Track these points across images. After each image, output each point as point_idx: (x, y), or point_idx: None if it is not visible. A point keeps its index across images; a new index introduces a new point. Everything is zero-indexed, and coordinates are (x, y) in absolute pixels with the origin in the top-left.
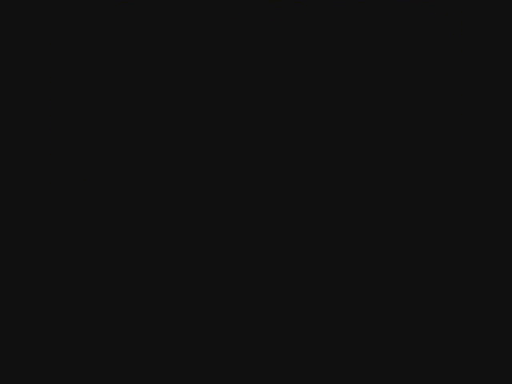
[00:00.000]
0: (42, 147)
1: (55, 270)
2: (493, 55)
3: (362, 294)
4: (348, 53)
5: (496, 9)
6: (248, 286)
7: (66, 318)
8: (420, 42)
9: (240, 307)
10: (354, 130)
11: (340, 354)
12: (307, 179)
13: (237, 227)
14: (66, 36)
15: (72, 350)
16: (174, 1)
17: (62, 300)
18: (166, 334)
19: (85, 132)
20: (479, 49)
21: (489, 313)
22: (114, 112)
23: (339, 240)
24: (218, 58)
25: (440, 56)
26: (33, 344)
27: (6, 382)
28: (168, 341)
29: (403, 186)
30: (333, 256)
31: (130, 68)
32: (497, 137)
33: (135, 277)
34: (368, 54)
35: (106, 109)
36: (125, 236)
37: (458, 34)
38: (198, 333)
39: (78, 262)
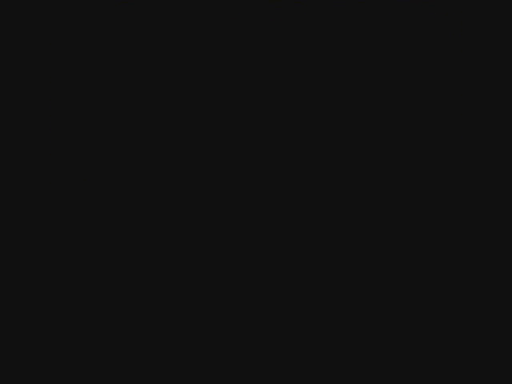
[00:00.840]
0: (42, 147)
1: (55, 269)
2: (493, 55)
3: (362, 293)
4: (348, 53)
5: (496, 9)
6: (248, 285)
7: (66, 318)
8: (420, 41)
9: (240, 307)
10: (354, 129)
11: (340, 354)
12: (307, 179)
13: (237, 227)
14: (66, 36)
15: (72, 350)
16: (174, 1)
17: (61, 300)
18: (166, 334)
19: (85, 132)
20: (479, 49)
21: (489, 313)
22: (114, 112)
23: (339, 240)
24: (218, 57)
25: (440, 56)
26: (33, 344)
27: (6, 382)
28: (168, 341)
29: (403, 185)
30: (333, 256)
31: (130, 68)
32: (497, 137)
33: (135, 277)
34: (368, 53)
35: (105, 109)
36: (125, 236)
37: (458, 34)
38: (198, 333)
39: (77, 261)
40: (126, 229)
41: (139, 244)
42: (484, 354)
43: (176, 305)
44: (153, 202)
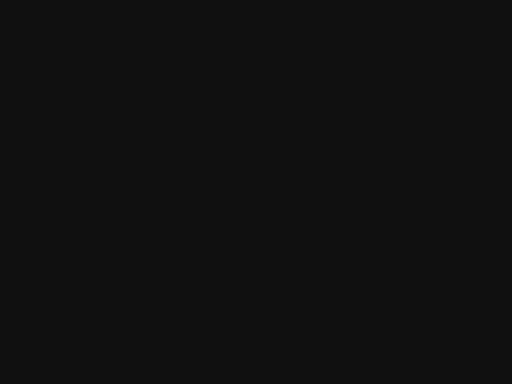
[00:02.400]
0: (42, 147)
1: (55, 270)
2: (493, 55)
3: (362, 294)
4: (347, 52)
5: (496, 9)
6: (248, 286)
7: (66, 318)
8: (420, 41)
9: (240, 307)
10: (353, 129)
11: (340, 354)
12: (307, 179)
13: (237, 227)
14: (66, 36)
15: (72, 350)
16: (174, 0)
17: (62, 300)
18: (166, 334)
19: (85, 132)
20: (479, 49)
21: (489, 313)
22: (114, 112)
23: (339, 240)
24: (218, 57)
25: (440, 56)
26: (33, 344)
27: (6, 382)
28: (168, 341)
29: (403, 186)
30: (333, 256)
31: (130, 68)
32: (497, 137)
33: (135, 277)
34: (367, 53)
35: (105, 109)
36: (125, 236)
37: (458, 34)
38: (198, 333)
39: (77, 262)
40: (126, 229)
41: (139, 244)
42: (484, 354)
43: (176, 305)
44: (153, 202)
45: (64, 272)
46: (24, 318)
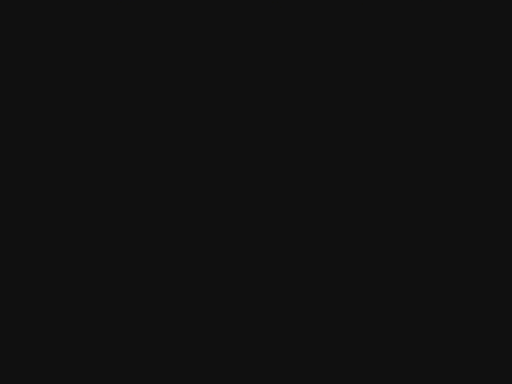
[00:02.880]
0: (42, 147)
1: (55, 270)
2: (493, 55)
3: (362, 294)
4: (347, 53)
5: (496, 9)
6: (248, 286)
7: (66, 318)
8: (420, 41)
9: (240, 307)
10: (353, 129)
11: (340, 354)
12: (307, 179)
13: (237, 227)
14: (66, 36)
15: (72, 350)
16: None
17: (62, 300)
18: (166, 334)
19: (85, 132)
20: (479, 49)
21: (489, 313)
22: (114, 112)
23: (339, 240)
24: (218, 57)
25: (440, 55)
26: (33, 344)
27: (6, 382)
28: (168, 341)
29: (403, 186)
30: (333, 256)
31: (130, 68)
32: (497, 137)
33: (135, 277)
34: (367, 53)
35: (105, 109)
36: (125, 236)
37: (458, 34)
38: (198, 333)
39: (77, 262)
40: (126, 229)
41: (139, 244)
42: (484, 354)
43: (176, 305)
44: (153, 202)
45: (64, 272)
46: (24, 317)
